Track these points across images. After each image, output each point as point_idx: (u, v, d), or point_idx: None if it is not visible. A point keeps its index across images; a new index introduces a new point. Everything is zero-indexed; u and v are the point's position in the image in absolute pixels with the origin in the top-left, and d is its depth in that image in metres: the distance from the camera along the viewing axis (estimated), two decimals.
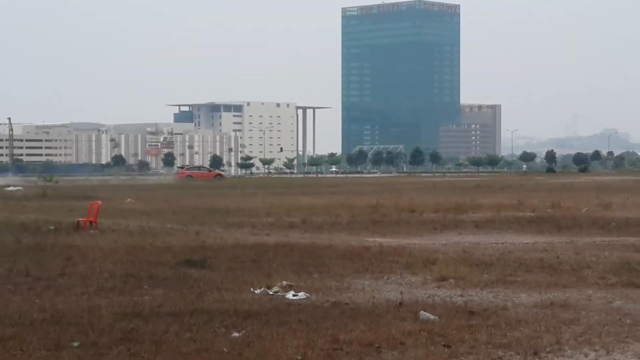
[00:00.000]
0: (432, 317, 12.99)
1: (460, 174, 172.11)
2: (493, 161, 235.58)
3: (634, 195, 51.93)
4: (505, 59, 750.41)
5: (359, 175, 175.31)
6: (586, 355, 10.82)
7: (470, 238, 26.47)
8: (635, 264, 18.52)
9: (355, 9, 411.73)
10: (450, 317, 13.08)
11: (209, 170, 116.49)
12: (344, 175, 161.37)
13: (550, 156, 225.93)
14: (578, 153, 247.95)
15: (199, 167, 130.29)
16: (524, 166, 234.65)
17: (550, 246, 23.48)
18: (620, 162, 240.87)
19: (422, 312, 13.28)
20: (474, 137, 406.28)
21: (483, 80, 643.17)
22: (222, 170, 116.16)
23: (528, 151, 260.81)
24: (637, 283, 16.39)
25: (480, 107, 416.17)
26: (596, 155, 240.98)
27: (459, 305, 14.13)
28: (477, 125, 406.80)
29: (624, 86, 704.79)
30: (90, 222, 28.73)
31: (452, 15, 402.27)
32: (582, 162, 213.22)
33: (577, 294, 15.28)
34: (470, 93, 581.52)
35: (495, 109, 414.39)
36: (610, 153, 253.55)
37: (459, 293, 15.60)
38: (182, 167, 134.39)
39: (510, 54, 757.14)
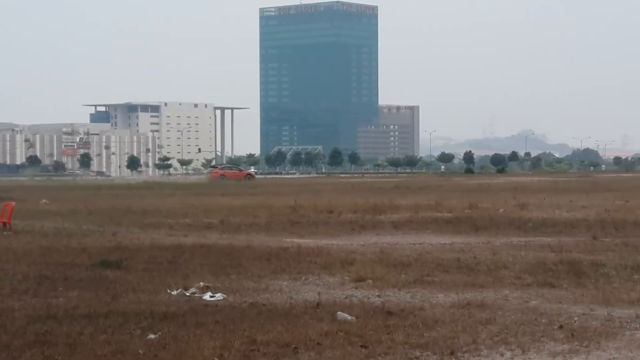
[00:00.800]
0: (349, 317, 12.98)
1: (379, 175, 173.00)
2: (411, 162, 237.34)
3: (551, 195, 52.64)
4: (423, 60, 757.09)
5: (278, 176, 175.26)
6: (502, 355, 10.89)
7: (388, 239, 26.57)
8: (551, 264, 18.73)
9: (273, 10, 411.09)
10: (367, 317, 13.08)
11: (240, 170, 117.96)
12: (262, 176, 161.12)
13: (468, 157, 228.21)
14: (496, 154, 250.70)
15: (230, 167, 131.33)
16: (442, 167, 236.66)
17: (468, 246, 23.65)
18: (537, 163, 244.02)
19: (339, 312, 13.26)
20: (392, 138, 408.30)
21: (401, 82, 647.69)
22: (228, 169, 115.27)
23: (446, 152, 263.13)
24: (552, 283, 16.58)
25: (398, 108, 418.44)
26: (513, 156, 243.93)
27: (376, 306, 14.13)
28: (396, 126, 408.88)
29: (541, 88, 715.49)
30: (4, 224, 28.24)
31: (370, 16, 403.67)
32: (500, 163, 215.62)
33: (493, 294, 15.39)
34: (389, 94, 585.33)
35: (413, 110, 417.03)
36: (528, 154, 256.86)
37: (377, 293, 15.62)
38: (214, 167, 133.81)
39: (429, 56, 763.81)
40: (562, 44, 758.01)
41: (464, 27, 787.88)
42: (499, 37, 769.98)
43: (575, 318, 13.08)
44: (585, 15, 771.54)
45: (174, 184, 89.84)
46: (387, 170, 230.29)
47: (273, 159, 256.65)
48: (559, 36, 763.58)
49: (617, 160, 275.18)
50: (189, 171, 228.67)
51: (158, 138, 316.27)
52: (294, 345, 11.31)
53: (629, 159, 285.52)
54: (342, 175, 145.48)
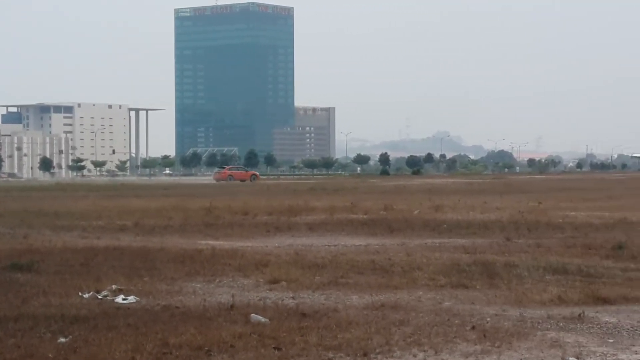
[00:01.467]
0: (263, 319, 12.91)
1: (295, 177, 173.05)
2: (327, 164, 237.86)
3: (465, 197, 53.12)
4: (339, 62, 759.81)
5: (193, 177, 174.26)
6: (415, 356, 10.92)
7: (303, 240, 26.55)
8: (464, 265, 18.85)
9: (189, 10, 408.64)
10: (281, 319, 13.02)
11: (246, 171, 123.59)
12: (178, 178, 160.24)
13: (384, 159, 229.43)
14: (411, 156, 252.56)
15: (237, 167, 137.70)
16: (358, 169, 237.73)
17: (382, 248, 23.74)
18: (452, 165, 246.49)
19: (253, 314, 13.19)
20: (308, 140, 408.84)
21: (317, 83, 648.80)
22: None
23: (362, 154, 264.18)
24: (466, 284, 16.69)
25: (314, 109, 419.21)
26: (429, 158, 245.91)
27: (290, 308, 14.09)
28: (312, 128, 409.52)
29: (455, 90, 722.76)
30: None
31: (285, 18, 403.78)
32: (415, 164, 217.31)
33: (407, 296, 15.45)
34: (305, 96, 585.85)
35: (329, 112, 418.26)
36: (443, 156, 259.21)
37: (291, 295, 15.58)
38: (222, 167, 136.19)
39: (345, 58, 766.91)
40: (475, 47, 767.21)
41: (380, 28, 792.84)
42: (414, 39, 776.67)
43: (488, 319, 13.18)
44: (496, 16, 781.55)
45: (92, 185, 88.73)
46: (303, 172, 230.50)
47: (188, 161, 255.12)
48: (471, 39, 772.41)
49: (531, 162, 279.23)
50: (103, 173, 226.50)
51: (71, 139, 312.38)
52: (206, 348, 11.22)
53: (543, 160, 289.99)
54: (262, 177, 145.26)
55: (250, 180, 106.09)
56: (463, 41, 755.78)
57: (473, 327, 12.42)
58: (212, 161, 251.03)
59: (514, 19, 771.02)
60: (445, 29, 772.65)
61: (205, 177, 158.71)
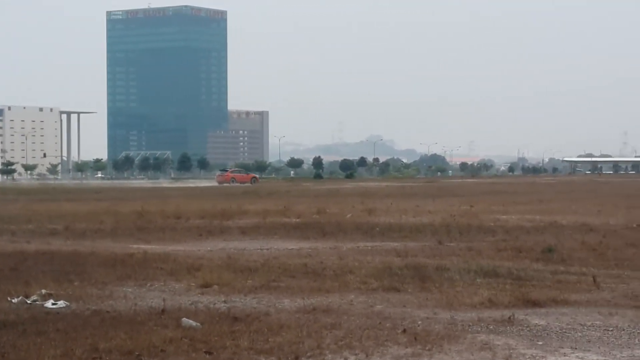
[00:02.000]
0: (194, 323, 12.83)
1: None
2: (261, 167, 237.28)
3: (398, 200, 53.37)
4: (273, 66, 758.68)
5: (126, 181, 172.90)
6: (346, 359, 10.93)
7: (236, 244, 26.48)
8: (396, 269, 18.90)
9: (121, 13, 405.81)
10: (213, 323, 12.96)
11: (247, 173, 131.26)
12: (110, 181, 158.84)
13: (318, 162, 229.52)
14: (345, 159, 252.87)
15: (239, 170, 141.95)
16: (292, 172, 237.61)
17: (315, 252, 23.76)
18: (385, 169, 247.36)
19: (184, 319, 13.10)
20: (242, 143, 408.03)
21: (251, 87, 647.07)
22: None
23: (296, 157, 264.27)
24: (397, 287, 16.74)
25: (248, 113, 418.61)
26: (362, 161, 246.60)
27: (222, 312, 14.03)
28: (245, 132, 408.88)
29: (389, 95, 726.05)
30: None
31: (219, 21, 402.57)
32: (349, 168, 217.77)
33: (339, 299, 15.46)
34: (239, 99, 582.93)
35: (263, 116, 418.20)
36: (376, 159, 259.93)
37: (223, 299, 15.52)
38: (225, 170, 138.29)
39: (278, 62, 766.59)
40: (408, 53, 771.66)
41: (312, 32, 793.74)
42: (347, 43, 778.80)
43: (419, 322, 13.23)
44: (428, 17, 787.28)
45: (22, 188, 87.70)
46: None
47: (120, 164, 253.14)
48: (404, 45, 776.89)
49: (464, 165, 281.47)
50: (34, 176, 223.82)
51: (1, 142, 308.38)
52: (137, 353, 11.13)
53: (475, 164, 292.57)
54: (191, 181, 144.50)
55: (251, 183, 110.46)
56: (396, 45, 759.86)
57: (404, 331, 12.46)
58: (145, 165, 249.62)
59: (445, 21, 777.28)
60: (377, 32, 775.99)
61: (138, 181, 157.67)
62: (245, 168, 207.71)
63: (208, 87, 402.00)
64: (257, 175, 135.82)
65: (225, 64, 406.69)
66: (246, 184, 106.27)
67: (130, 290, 16.77)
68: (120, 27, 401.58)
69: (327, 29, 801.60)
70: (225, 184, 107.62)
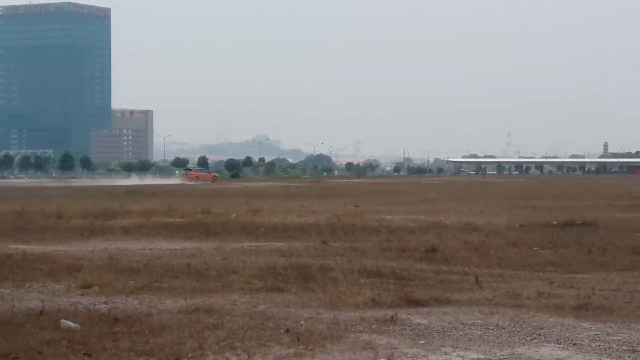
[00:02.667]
0: (73, 325, 12.55)
1: (112, 180, 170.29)
2: (145, 167, 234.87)
3: (283, 200, 53.41)
4: (158, 65, 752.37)
5: (5, 180, 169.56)
6: None
7: (118, 244, 26.13)
8: (280, 269, 18.83)
9: (1, 9, 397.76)
10: (92, 325, 12.68)
11: (209, 172, 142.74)
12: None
13: (203, 162, 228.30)
14: (230, 159, 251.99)
15: (202, 169, 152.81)
16: (177, 172, 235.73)
17: (199, 252, 23.58)
18: (271, 168, 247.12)
19: (63, 320, 12.80)
20: (125, 142, 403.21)
21: (135, 86, 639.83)
22: None
23: (181, 157, 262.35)
24: (281, 287, 16.68)
25: (132, 112, 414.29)
26: (248, 161, 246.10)
27: (102, 313, 13.75)
28: (129, 131, 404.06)
29: (275, 95, 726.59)
30: None
31: (102, 18, 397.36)
32: (234, 168, 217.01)
33: (222, 299, 15.32)
34: (123, 98, 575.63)
35: (147, 115, 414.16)
36: (262, 159, 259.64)
37: (104, 300, 15.24)
38: (189, 169, 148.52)
39: (163, 60, 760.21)
40: (293, 52, 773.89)
41: (198, 31, 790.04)
42: (233, 42, 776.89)
43: (302, 322, 13.17)
44: (320, 22, 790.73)
45: None
46: (120, 175, 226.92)
47: (0, 163, 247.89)
48: (288, 44, 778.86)
49: (349, 165, 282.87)
50: None
51: None
52: (13, 355, 10.83)
53: (361, 164, 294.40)
54: (74, 180, 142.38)
55: (212, 181, 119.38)
56: (282, 46, 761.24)
57: (287, 330, 12.38)
58: (26, 163, 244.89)
59: (333, 21, 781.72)
60: (263, 31, 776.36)
61: (18, 180, 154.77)
62: (129, 168, 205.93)
63: (91, 85, 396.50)
64: (217, 174, 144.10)
65: (109, 62, 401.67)
66: (208, 182, 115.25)
67: (7, 291, 16.35)
68: (1, 23, 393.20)
69: (213, 27, 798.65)
70: (189, 182, 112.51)
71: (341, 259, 21.31)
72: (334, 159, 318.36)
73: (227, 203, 48.79)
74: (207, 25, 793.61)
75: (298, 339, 11.83)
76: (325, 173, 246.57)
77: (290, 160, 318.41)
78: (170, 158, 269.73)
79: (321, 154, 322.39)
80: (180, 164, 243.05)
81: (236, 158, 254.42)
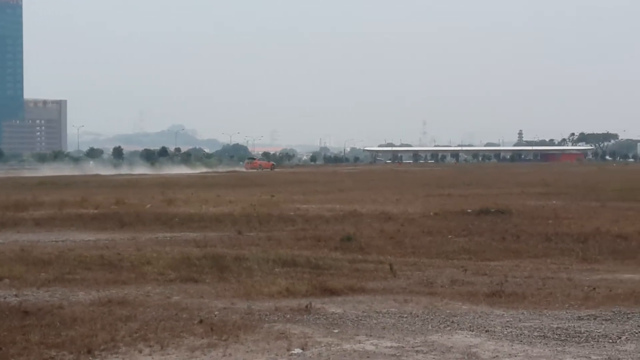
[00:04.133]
0: None
1: (24, 171, 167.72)
2: (58, 157, 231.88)
3: (199, 190, 53.13)
4: (72, 53, 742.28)
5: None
6: (140, 351, 10.67)
7: (30, 236, 25.75)
8: (195, 259, 18.72)
9: None
10: (2, 318, 12.45)
11: (269, 161, 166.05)
12: None
13: (118, 152, 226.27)
14: (146, 149, 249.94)
15: (262, 158, 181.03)
16: (91, 162, 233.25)
17: (112, 243, 23.35)
18: (187, 159, 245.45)
19: None
20: (38, 133, 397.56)
21: (49, 75, 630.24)
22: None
23: (95, 147, 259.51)
24: (195, 278, 16.59)
25: (45, 102, 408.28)
26: (163, 151, 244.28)
27: (12, 306, 13.50)
28: (42, 121, 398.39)
29: (191, 84, 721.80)
30: None
31: (14, 7, 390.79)
32: (150, 158, 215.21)
33: (135, 291, 15.17)
34: (35, 88, 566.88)
35: (61, 105, 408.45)
36: (178, 149, 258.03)
37: (14, 293, 14.96)
38: (253, 158, 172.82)
39: (76, 50, 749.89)
40: (210, 43, 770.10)
41: (112, 19, 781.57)
42: (148, 32, 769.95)
43: (216, 312, 13.09)
44: (229, 17, 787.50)
45: None
46: (32, 166, 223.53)
47: None
48: (206, 35, 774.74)
49: (266, 155, 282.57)
50: None
51: None
52: None
53: (277, 154, 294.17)
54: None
55: (271, 169, 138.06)
56: (197, 35, 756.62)
57: (201, 321, 12.29)
58: None
59: (254, 17, 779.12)
60: (179, 21, 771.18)
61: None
62: (43, 158, 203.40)
63: (2, 75, 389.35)
64: (274, 163, 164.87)
65: (20, 51, 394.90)
66: (267, 170, 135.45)
67: None
68: None
69: (128, 16, 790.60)
70: (253, 170, 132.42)
71: (256, 249, 21.27)
72: (250, 149, 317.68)
73: (142, 194, 48.37)
74: (122, 13, 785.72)
75: (212, 329, 11.75)
76: (241, 163, 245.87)
77: (207, 150, 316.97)
78: (85, 148, 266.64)
79: (237, 144, 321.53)
80: (94, 154, 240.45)
81: (152, 148, 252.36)
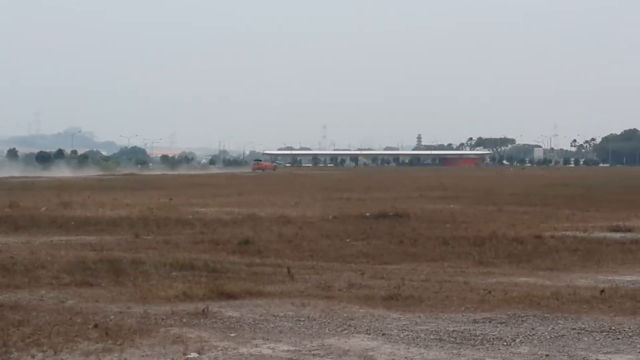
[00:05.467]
0: None
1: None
2: None
3: (96, 193, 52.53)
4: None
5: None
6: (33, 357, 10.45)
7: None
8: (90, 263, 18.44)
9: None
10: None
11: (272, 162, 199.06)
12: None
13: (13, 154, 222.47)
14: (41, 152, 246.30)
15: (267, 161, 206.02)
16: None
17: (5, 246, 22.91)
18: (84, 161, 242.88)
19: None
20: None
21: None
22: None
23: None
24: (91, 282, 16.36)
25: None
26: (60, 153, 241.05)
27: None
28: None
29: (88, 85, 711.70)
30: None
31: None
32: (46, 160, 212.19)
33: (29, 295, 14.89)
34: None
35: None
36: (74, 152, 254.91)
37: None
38: (259, 160, 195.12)
39: None
40: (104, 41, 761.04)
41: (8, 13, 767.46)
42: (40, 29, 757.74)
43: (112, 316, 12.91)
44: (114, 7, 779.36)
45: None
46: None
47: None
48: (103, 34, 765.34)
49: (165, 158, 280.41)
50: None
51: None
52: None
53: (176, 157, 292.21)
54: None
55: (273, 170, 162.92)
56: (93, 34, 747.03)
57: (95, 325, 12.11)
58: None
59: (144, 11, 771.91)
60: (74, 18, 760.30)
61: None
62: None
63: None
64: (276, 164, 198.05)
65: None
66: (270, 170, 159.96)
67: None
68: None
69: (20, 12, 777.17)
70: (258, 171, 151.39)
71: (153, 253, 21.05)
72: (148, 152, 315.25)
73: (37, 196, 47.62)
74: (14, 9, 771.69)
75: (107, 333, 11.59)
76: (139, 165, 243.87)
77: (104, 153, 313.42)
78: None
79: (136, 147, 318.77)
80: None
81: (47, 150, 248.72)
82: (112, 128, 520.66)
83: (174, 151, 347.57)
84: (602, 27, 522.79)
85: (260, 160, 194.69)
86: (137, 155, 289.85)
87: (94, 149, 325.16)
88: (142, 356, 10.56)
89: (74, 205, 38.82)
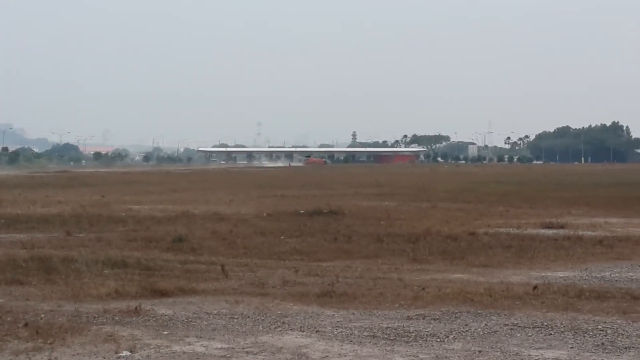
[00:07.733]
0: None
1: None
2: None
3: (27, 191, 51.92)
4: None
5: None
6: None
7: None
8: (21, 261, 18.23)
9: None
10: None
11: (321, 158, 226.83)
12: None
13: None
14: None
15: (317, 157, 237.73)
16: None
17: None
18: (15, 158, 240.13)
19: None
20: None
21: None
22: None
23: None
24: (21, 280, 16.16)
25: None
26: None
27: None
28: None
29: (19, 80, 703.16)
30: None
31: None
32: None
33: None
34: None
35: None
36: (5, 149, 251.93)
37: None
38: (309, 156, 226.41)
39: None
40: (36, 34, 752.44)
41: None
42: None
43: (42, 315, 12.74)
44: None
45: None
46: None
47: None
48: (34, 28, 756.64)
49: (98, 155, 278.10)
50: None
51: None
52: None
53: (109, 154, 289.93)
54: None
55: (324, 164, 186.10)
56: (22, 28, 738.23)
57: (26, 324, 11.94)
58: None
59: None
60: (10, 10, 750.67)
61: None
62: None
63: None
64: (327, 160, 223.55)
65: None
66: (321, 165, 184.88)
67: None
68: None
69: None
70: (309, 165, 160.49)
71: (85, 250, 20.86)
72: (81, 149, 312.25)
73: None
74: None
75: (37, 332, 11.42)
76: (72, 163, 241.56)
77: (36, 150, 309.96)
78: None
79: (68, 143, 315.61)
80: None
81: None
82: (44, 125, 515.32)
83: (107, 148, 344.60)
84: (528, 29, 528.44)
85: (310, 156, 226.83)
86: (69, 153, 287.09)
87: (26, 146, 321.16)
88: (73, 355, 10.42)
89: (4, 203, 38.38)
